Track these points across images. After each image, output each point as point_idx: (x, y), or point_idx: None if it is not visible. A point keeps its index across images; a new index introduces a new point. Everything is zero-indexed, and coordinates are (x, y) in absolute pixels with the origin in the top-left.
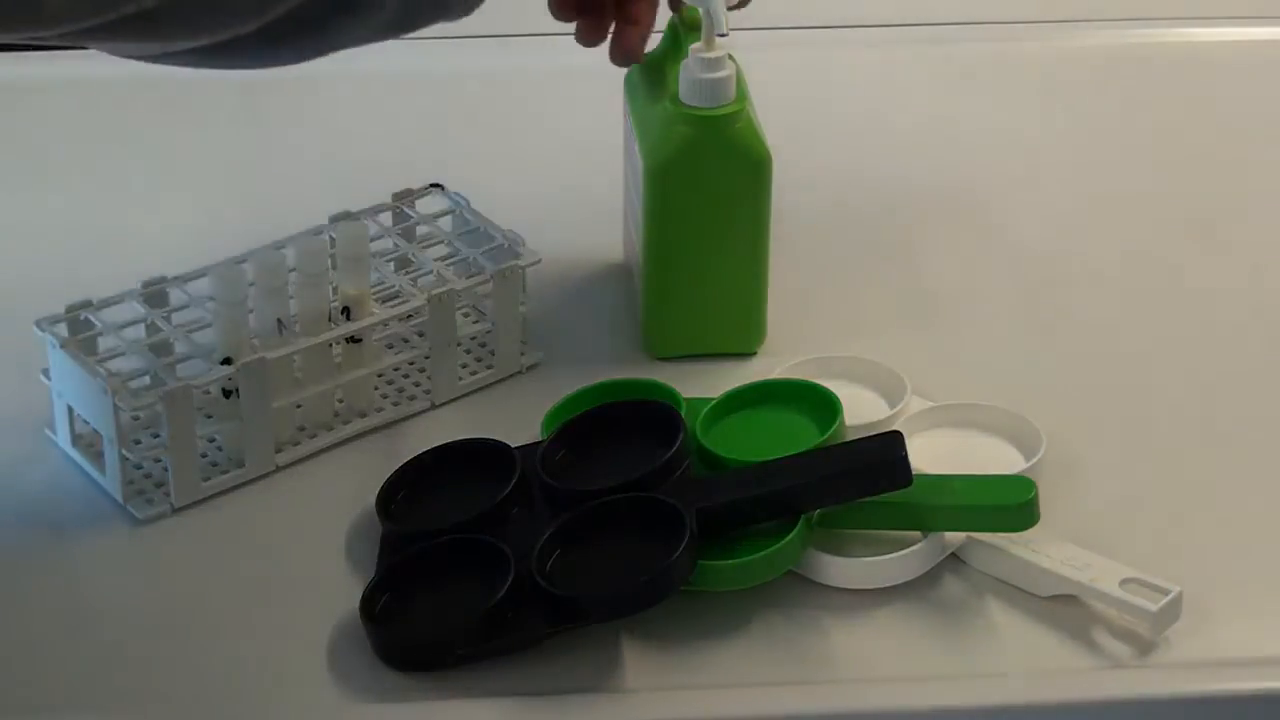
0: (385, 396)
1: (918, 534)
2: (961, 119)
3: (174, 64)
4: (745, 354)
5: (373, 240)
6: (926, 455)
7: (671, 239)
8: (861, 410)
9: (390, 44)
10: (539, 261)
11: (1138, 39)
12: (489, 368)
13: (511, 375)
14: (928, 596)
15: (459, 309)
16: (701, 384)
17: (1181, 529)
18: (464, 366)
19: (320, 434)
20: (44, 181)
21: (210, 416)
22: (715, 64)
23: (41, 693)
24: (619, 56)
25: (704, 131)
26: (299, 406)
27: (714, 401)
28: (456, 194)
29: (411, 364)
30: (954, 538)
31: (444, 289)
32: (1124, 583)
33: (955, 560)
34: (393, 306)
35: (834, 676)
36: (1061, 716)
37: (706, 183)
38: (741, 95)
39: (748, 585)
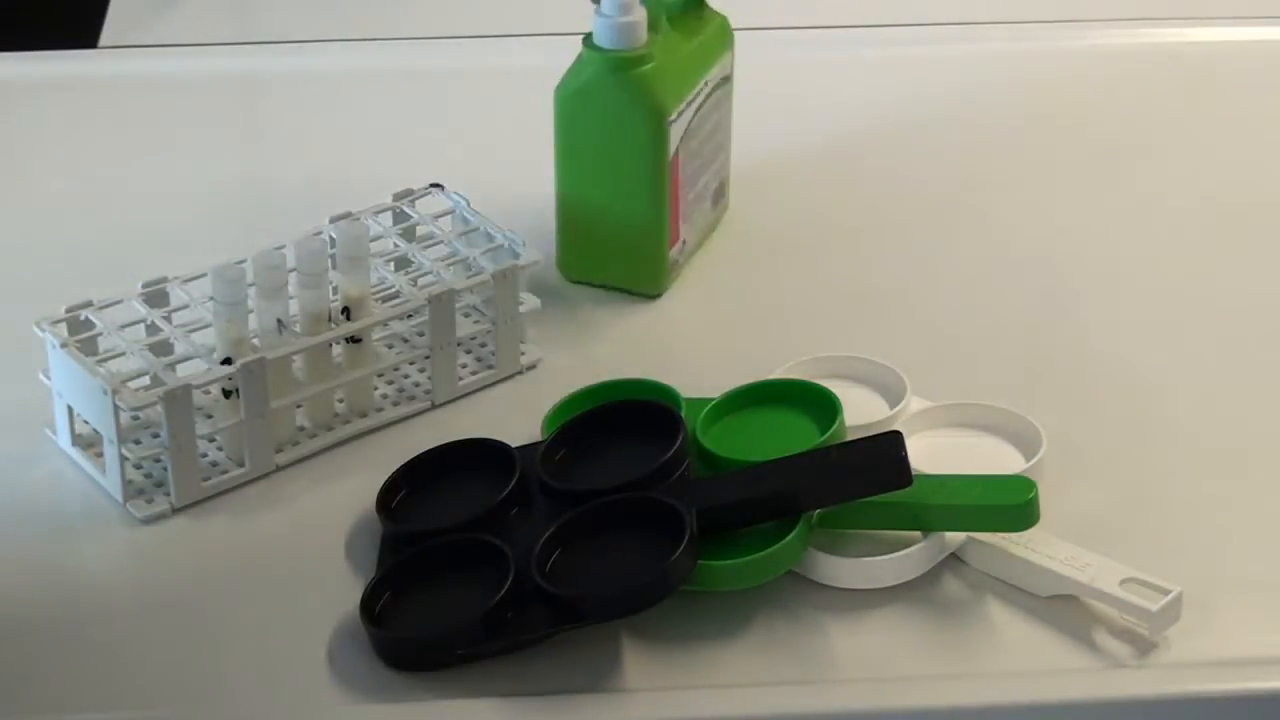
0: (385, 396)
1: (918, 534)
2: (962, 118)
3: None
4: (649, 296)
5: (373, 240)
6: (926, 455)
7: (576, 170)
8: (861, 410)
9: (390, 44)
10: (539, 261)
11: (1138, 39)
12: (489, 368)
13: (511, 375)
14: (928, 596)
15: (459, 309)
16: (701, 384)
17: (1181, 529)
18: (464, 366)
19: (320, 434)
20: (44, 181)
21: (210, 416)
22: (626, 7)
23: (41, 693)
24: None
25: (607, 71)
26: (299, 406)
27: (714, 401)
28: (456, 194)
29: (411, 364)
30: (954, 538)
31: (444, 289)
32: (1124, 583)
33: (955, 560)
34: (393, 306)
35: (834, 676)
36: (1061, 716)
37: (608, 122)
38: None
39: (748, 585)
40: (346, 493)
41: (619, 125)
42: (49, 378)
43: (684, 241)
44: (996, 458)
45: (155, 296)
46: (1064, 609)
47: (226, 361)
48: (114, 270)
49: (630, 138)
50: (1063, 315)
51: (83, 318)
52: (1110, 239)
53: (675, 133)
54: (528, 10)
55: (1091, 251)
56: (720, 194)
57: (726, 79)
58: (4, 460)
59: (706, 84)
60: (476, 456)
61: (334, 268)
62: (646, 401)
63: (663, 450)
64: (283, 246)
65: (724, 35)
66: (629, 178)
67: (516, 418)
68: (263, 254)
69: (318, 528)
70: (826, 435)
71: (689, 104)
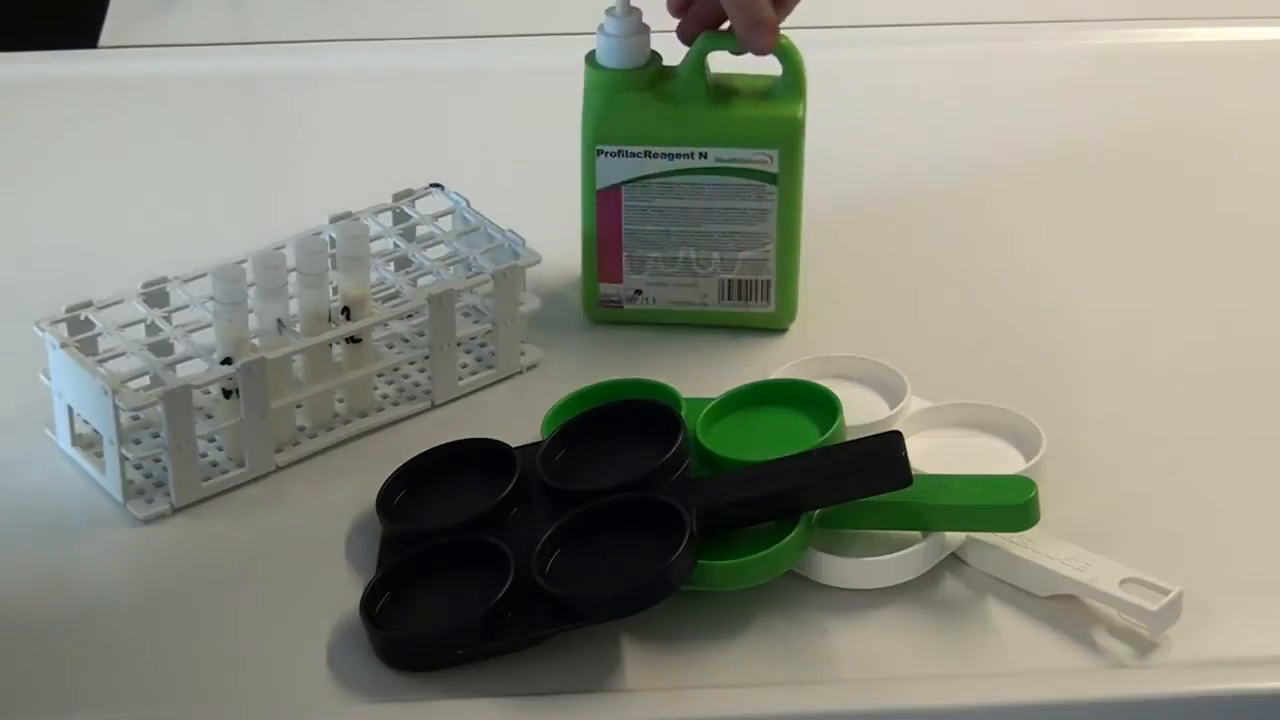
0: (385, 396)
1: (918, 534)
2: (961, 119)
3: None
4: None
5: (373, 240)
6: (926, 455)
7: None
8: (861, 410)
9: (390, 44)
10: (539, 261)
11: (1138, 39)
12: (489, 368)
13: (511, 375)
14: (928, 596)
15: (459, 309)
16: (702, 384)
17: (1181, 529)
18: (464, 366)
19: (320, 434)
20: (45, 181)
21: (210, 416)
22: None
23: (42, 693)
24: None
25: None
26: (299, 406)
27: (714, 401)
28: (456, 194)
29: (411, 364)
30: (954, 538)
31: (444, 289)
32: (1124, 583)
33: (955, 560)
34: (393, 306)
35: (834, 676)
36: (1061, 716)
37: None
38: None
39: (748, 585)
40: (346, 493)
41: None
42: (49, 378)
43: (637, 292)
44: (996, 458)
45: (155, 296)
46: (1064, 609)
47: (226, 361)
48: (114, 270)
49: (581, 156)
50: (1063, 315)
51: (83, 318)
52: (1109, 238)
53: (615, 169)
54: (528, 10)
55: (1092, 251)
56: (742, 290)
57: (766, 174)
58: (4, 460)
59: (702, 155)
60: (476, 456)
61: (334, 268)
62: (646, 401)
63: (663, 450)
64: (283, 246)
65: (771, 129)
66: (583, 198)
67: (516, 418)
68: (263, 254)
69: (318, 528)
70: (826, 435)
71: (648, 152)
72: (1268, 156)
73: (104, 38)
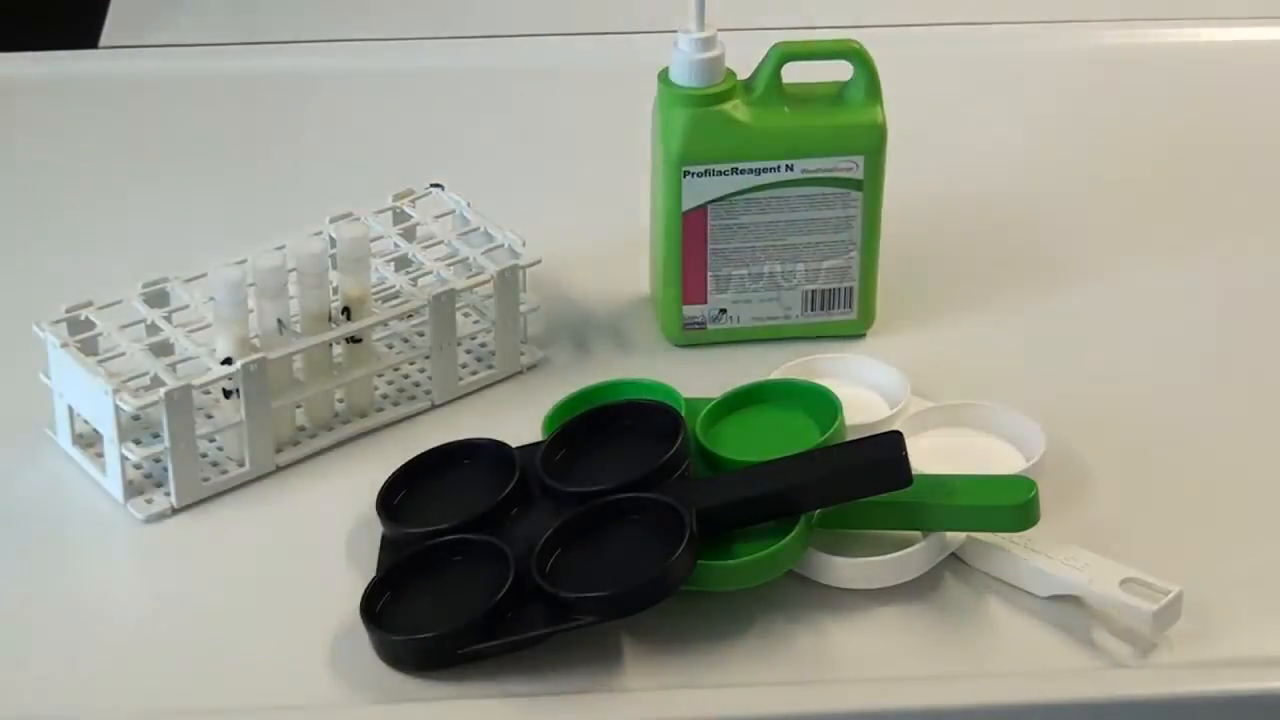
0: (385, 396)
1: (918, 534)
2: (960, 119)
3: None
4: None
5: (373, 240)
6: (926, 455)
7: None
8: (861, 410)
9: (390, 44)
10: (539, 262)
11: (1138, 39)
12: (489, 368)
13: (511, 375)
14: (928, 596)
15: (459, 309)
16: (701, 384)
17: (1181, 529)
18: (464, 366)
19: (320, 434)
20: (45, 181)
21: (210, 416)
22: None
23: (42, 693)
24: None
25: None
26: (299, 406)
27: (714, 401)
28: (456, 194)
29: (411, 364)
30: (954, 538)
31: (444, 289)
32: (1124, 583)
33: (955, 560)
34: (393, 306)
35: (834, 676)
36: (1061, 716)
37: (655, 154)
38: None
39: (748, 585)
40: (346, 493)
41: (656, 161)
42: (49, 378)
43: (722, 311)
44: (996, 458)
45: (155, 296)
46: (1064, 609)
47: (227, 361)
48: (114, 270)
49: (659, 176)
50: (1063, 316)
51: (83, 318)
52: (1110, 238)
53: (701, 189)
54: (527, 11)
55: (1092, 250)
56: (826, 300)
57: (851, 181)
58: (4, 460)
59: (789, 168)
60: (476, 456)
61: (334, 268)
62: (646, 401)
63: (663, 450)
64: (283, 246)
65: (855, 136)
66: (658, 218)
67: (516, 418)
68: (263, 254)
69: (318, 528)
70: (826, 435)
71: (736, 169)
72: (1268, 157)
73: (104, 38)
